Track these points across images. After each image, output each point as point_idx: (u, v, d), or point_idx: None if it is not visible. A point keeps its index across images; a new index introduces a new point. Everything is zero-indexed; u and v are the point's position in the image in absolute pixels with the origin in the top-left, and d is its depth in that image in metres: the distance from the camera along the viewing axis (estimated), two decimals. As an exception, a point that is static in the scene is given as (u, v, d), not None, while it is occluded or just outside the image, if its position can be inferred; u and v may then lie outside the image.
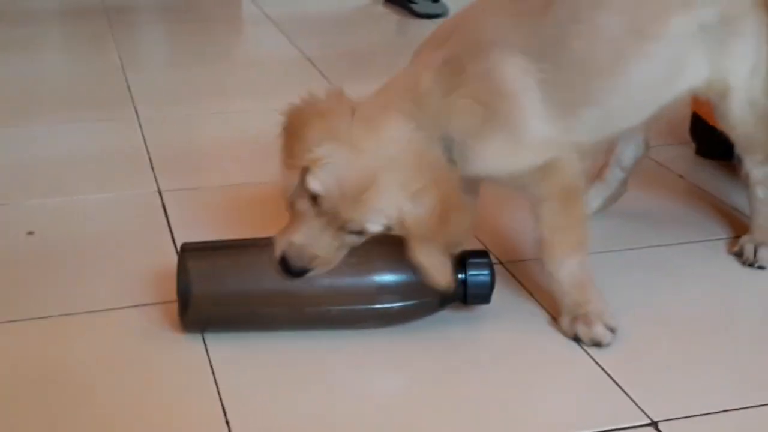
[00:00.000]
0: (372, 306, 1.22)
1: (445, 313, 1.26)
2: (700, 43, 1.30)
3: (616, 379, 1.15)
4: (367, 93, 1.24)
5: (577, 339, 1.23)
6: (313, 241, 1.16)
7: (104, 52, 2.55)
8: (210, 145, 1.92)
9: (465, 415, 1.09)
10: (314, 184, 1.15)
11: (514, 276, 1.38)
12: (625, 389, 1.13)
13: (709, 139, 1.53)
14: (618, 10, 1.26)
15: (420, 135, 1.17)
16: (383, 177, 1.15)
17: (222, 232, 1.50)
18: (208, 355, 1.19)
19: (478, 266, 1.25)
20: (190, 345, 1.21)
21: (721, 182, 1.70)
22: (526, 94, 1.22)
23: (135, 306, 1.30)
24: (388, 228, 1.18)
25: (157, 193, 1.65)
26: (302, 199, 1.17)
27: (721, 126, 1.40)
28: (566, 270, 1.24)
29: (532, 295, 1.34)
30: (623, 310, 1.27)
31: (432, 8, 2.89)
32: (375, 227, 1.17)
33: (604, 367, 1.17)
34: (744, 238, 1.45)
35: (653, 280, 1.39)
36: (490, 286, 1.25)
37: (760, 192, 1.43)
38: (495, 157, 1.22)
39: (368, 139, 1.16)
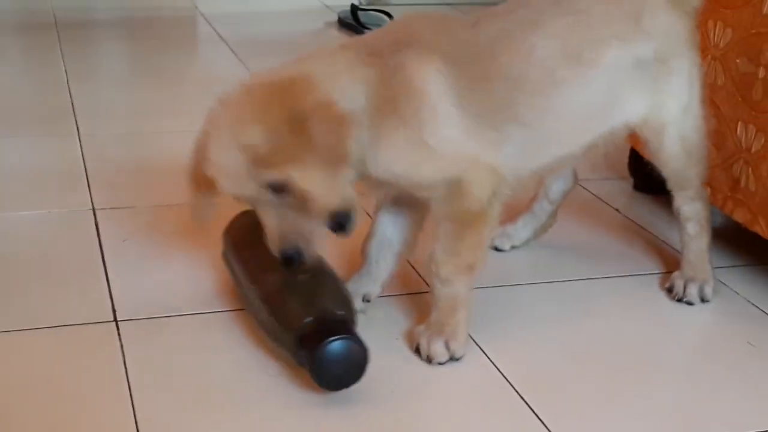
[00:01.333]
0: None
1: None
2: (636, 77, 1.31)
3: (537, 413, 1.15)
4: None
5: (417, 351, 1.24)
6: (284, 224, 1.14)
7: (51, 66, 2.52)
8: (150, 164, 1.90)
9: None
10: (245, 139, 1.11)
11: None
12: (545, 422, 1.13)
13: (647, 175, 1.54)
14: (553, 33, 1.26)
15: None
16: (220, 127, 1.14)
17: (153, 251, 1.50)
18: (128, 380, 1.18)
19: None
20: (111, 369, 1.20)
21: (657, 217, 1.72)
22: (438, 96, 1.19)
23: (60, 326, 1.28)
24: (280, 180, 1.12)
25: (91, 211, 1.63)
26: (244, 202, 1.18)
27: (654, 162, 1.41)
28: (447, 290, 1.24)
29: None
30: (547, 342, 1.27)
31: (385, 35, 2.90)
32: (274, 177, 1.11)
33: (526, 400, 1.17)
34: (675, 274, 1.46)
35: (580, 313, 1.39)
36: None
37: (690, 228, 1.45)
38: (398, 154, 1.18)
39: (218, 112, 1.16)
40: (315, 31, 3.10)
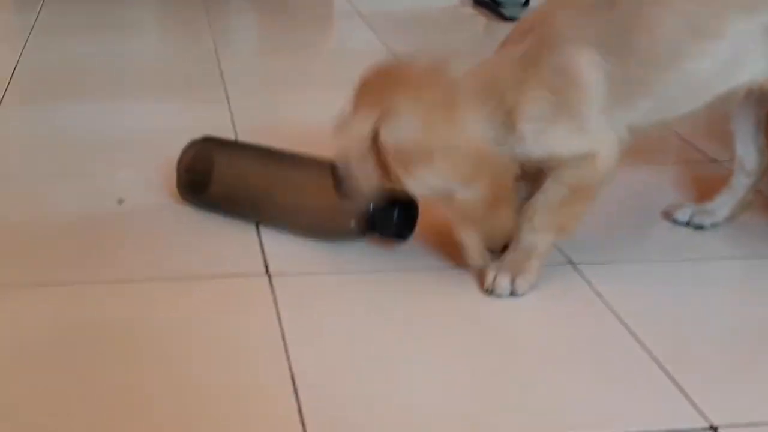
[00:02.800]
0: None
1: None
2: (760, 44, 1.32)
3: (678, 382, 1.16)
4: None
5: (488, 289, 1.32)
6: (361, 169, 1.28)
7: (199, 36, 2.63)
8: (291, 130, 1.97)
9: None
10: (384, 132, 1.25)
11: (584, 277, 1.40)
12: (687, 391, 1.15)
13: None
14: (680, 8, 1.30)
15: (487, 125, 1.26)
16: (440, 157, 1.24)
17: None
18: (282, 332, 1.24)
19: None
20: (265, 321, 1.27)
21: None
22: (596, 86, 1.27)
23: (214, 277, 1.36)
24: (435, 195, 1.28)
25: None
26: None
27: None
28: (532, 237, 1.32)
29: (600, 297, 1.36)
30: (697, 320, 1.29)
31: (520, 12, 2.91)
32: (418, 192, 1.29)
33: (668, 370, 1.19)
34: None
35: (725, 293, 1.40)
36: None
37: None
38: (553, 141, 1.28)
39: (440, 115, 1.25)
40: (449, 8, 3.13)
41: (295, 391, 1.11)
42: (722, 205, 1.56)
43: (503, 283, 1.32)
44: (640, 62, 1.29)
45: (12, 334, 1.21)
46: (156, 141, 1.83)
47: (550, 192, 1.31)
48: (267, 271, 1.38)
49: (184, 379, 1.13)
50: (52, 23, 2.74)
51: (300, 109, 2.08)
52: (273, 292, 1.33)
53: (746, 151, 1.53)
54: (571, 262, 1.44)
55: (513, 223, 1.32)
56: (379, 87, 1.30)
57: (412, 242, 1.45)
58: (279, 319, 1.26)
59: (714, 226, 1.55)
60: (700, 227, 1.55)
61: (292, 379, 1.13)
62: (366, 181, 1.31)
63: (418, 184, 1.28)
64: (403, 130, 1.25)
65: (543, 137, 1.28)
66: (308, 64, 2.46)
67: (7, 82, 2.19)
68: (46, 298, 1.29)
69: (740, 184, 1.55)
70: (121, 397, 1.09)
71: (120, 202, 1.58)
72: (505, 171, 1.28)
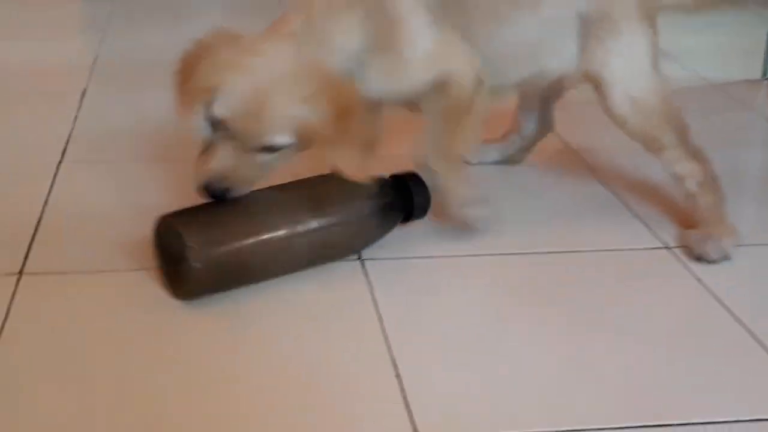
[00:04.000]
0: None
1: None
2: (576, 31, 1.39)
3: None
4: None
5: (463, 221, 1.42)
6: (229, 164, 1.26)
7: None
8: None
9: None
10: (218, 109, 1.25)
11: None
12: None
13: None
14: None
15: (307, 49, 1.28)
16: (275, 90, 1.25)
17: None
18: (379, 315, 1.25)
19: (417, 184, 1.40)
20: (361, 304, 1.28)
21: None
22: (415, 18, 1.33)
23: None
24: (294, 140, 1.27)
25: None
26: (209, 130, 1.28)
27: (615, 124, 1.44)
28: (438, 181, 1.39)
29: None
30: None
31: None
32: (280, 140, 1.27)
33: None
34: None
35: None
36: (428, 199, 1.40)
37: (689, 185, 1.45)
38: (386, 77, 1.33)
39: (256, 60, 1.27)
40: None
41: (398, 375, 1.12)
42: (492, 150, 1.71)
43: (472, 214, 1.42)
44: (462, 9, 1.36)
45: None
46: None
47: (432, 131, 1.38)
48: (359, 256, 1.39)
49: (285, 359, 1.15)
50: (127, 12, 2.78)
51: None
52: (366, 275, 1.34)
53: (527, 120, 1.68)
54: (667, 247, 1.44)
55: (370, 131, 1.34)
56: (186, 76, 1.30)
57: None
58: (374, 301, 1.27)
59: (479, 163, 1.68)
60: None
61: (393, 361, 1.14)
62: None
63: (272, 127, 1.25)
64: (228, 95, 1.25)
65: (372, 75, 1.32)
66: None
67: (90, 71, 2.23)
68: (139, 281, 1.32)
69: (512, 142, 1.71)
70: (228, 370, 1.12)
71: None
72: (338, 79, 1.29)
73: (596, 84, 1.42)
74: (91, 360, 1.14)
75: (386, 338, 1.19)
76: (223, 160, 1.27)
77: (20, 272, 1.32)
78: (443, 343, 1.19)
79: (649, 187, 1.61)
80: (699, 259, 1.39)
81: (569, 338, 1.21)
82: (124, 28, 2.63)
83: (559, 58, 1.43)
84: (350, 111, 1.28)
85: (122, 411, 1.04)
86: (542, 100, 1.67)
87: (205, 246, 1.23)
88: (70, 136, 1.82)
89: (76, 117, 1.92)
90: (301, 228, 1.30)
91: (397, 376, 1.12)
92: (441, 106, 1.36)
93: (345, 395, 1.09)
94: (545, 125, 1.71)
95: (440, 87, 1.35)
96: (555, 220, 1.53)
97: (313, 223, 1.31)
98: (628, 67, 1.41)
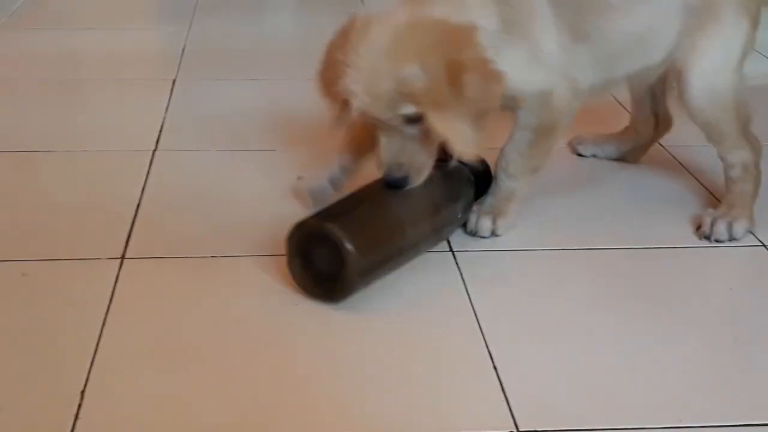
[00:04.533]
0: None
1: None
2: (680, 21, 1.38)
3: None
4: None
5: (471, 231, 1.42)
6: (395, 151, 1.29)
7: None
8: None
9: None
10: (350, 95, 1.25)
11: None
12: None
13: None
14: None
15: (439, 10, 1.25)
16: (386, 54, 1.22)
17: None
18: (470, 301, 1.27)
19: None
20: (454, 291, 1.30)
21: None
22: (543, 12, 1.33)
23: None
24: (416, 107, 1.23)
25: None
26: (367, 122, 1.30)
27: (686, 112, 1.44)
28: (511, 183, 1.42)
29: None
30: None
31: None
32: (405, 110, 1.24)
33: None
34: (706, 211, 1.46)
35: None
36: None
37: (733, 173, 1.46)
38: (514, 68, 1.28)
39: (374, 36, 1.25)
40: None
41: (494, 366, 1.13)
42: (609, 144, 1.71)
43: (485, 224, 1.41)
44: (577, 5, 1.35)
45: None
46: (302, 121, 1.87)
47: (517, 139, 1.39)
48: (450, 248, 1.41)
49: (386, 345, 1.17)
50: (213, 3, 2.82)
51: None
52: (458, 268, 1.35)
53: (640, 116, 1.66)
54: (763, 244, 1.43)
55: (491, 84, 1.27)
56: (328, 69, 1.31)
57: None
58: (467, 292, 1.29)
59: (593, 156, 1.72)
60: (580, 155, 1.73)
61: (487, 348, 1.16)
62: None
63: (396, 92, 1.23)
64: (417, 69, 1.21)
65: (508, 64, 1.27)
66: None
67: (179, 60, 2.27)
68: (238, 266, 1.34)
69: (628, 139, 1.70)
70: (338, 354, 1.14)
71: (299, 178, 1.62)
72: (459, 36, 1.24)
73: (678, 73, 1.41)
74: (193, 344, 1.17)
75: (480, 328, 1.21)
76: (388, 150, 1.30)
77: (122, 257, 1.36)
78: (536, 335, 1.20)
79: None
80: (706, 237, 1.42)
81: (662, 333, 1.21)
82: (209, 18, 2.67)
83: (662, 50, 1.42)
84: (463, 67, 1.22)
85: (224, 395, 1.07)
86: (652, 97, 1.64)
87: (363, 253, 1.23)
88: (162, 124, 1.86)
89: (167, 106, 1.97)
90: (426, 225, 1.35)
91: (495, 367, 1.13)
92: (537, 120, 1.37)
93: (443, 385, 1.10)
94: (662, 123, 1.68)
95: (541, 101, 1.35)
96: (645, 215, 1.53)
97: (437, 212, 1.37)
98: (718, 61, 1.41)
